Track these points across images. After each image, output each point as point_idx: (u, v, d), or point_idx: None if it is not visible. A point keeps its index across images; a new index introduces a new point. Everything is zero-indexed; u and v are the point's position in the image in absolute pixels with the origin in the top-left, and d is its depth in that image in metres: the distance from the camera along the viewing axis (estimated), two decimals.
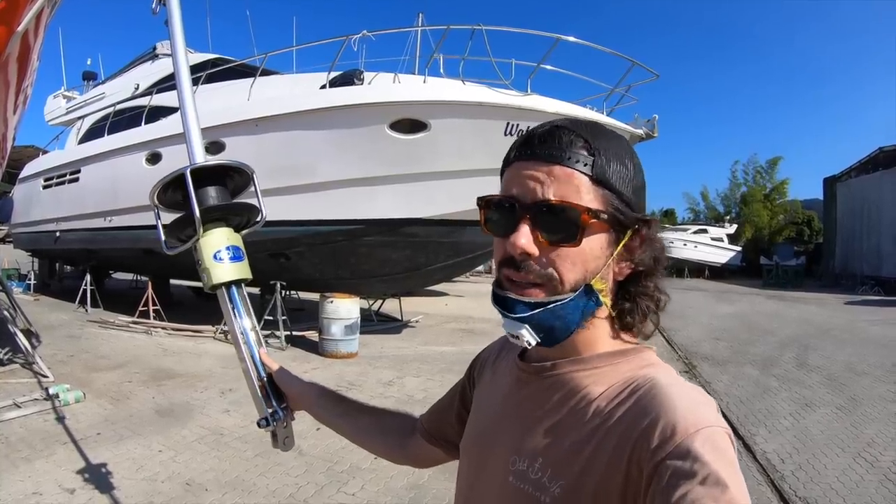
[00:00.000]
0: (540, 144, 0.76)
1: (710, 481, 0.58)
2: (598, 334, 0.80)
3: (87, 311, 12.45)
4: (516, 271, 0.75)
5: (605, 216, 0.74)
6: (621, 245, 0.77)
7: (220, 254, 1.25)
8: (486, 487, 0.84)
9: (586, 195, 0.73)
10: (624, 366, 0.77)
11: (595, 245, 0.75)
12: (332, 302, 8.79)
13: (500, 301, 0.77)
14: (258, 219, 1.37)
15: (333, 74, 9.14)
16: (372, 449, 1.24)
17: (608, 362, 0.78)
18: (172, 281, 14.44)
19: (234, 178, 1.37)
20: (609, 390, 0.75)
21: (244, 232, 1.36)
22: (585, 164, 0.74)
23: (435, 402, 1.16)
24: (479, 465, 0.88)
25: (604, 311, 0.79)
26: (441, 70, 8.93)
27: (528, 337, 0.75)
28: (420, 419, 1.17)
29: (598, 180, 0.74)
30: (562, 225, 0.73)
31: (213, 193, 1.29)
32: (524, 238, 0.73)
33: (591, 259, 0.75)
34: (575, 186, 0.73)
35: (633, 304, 0.80)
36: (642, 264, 0.79)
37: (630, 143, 0.82)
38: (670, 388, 0.70)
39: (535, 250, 0.74)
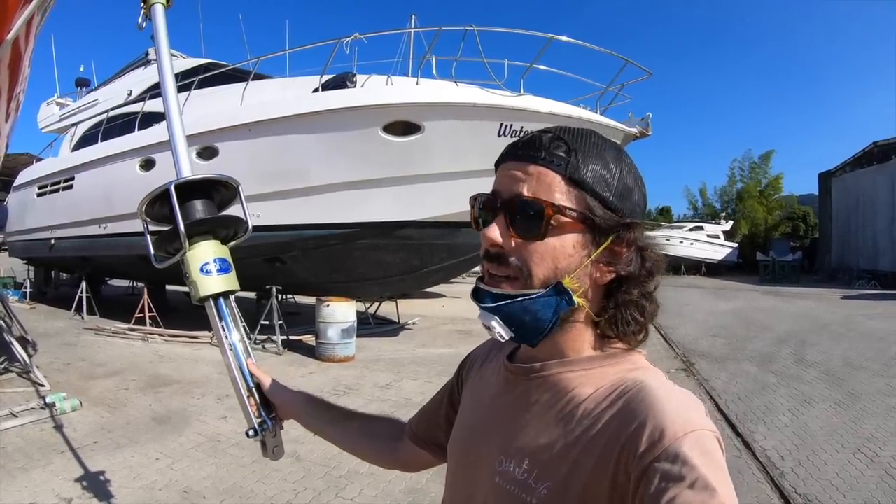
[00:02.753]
0: (523, 146, 0.79)
1: (698, 485, 0.59)
2: (585, 337, 0.80)
3: (83, 318, 12.40)
4: (496, 265, 0.78)
5: (574, 213, 0.74)
6: (602, 248, 0.76)
7: (208, 266, 1.26)
8: (473, 488, 0.84)
9: (559, 193, 0.74)
10: (612, 368, 0.78)
11: (566, 243, 0.75)
12: (328, 305, 8.77)
13: (474, 292, 0.81)
14: (245, 231, 1.38)
15: (326, 77, 9.13)
16: (361, 455, 1.24)
17: (596, 365, 0.78)
18: (169, 287, 14.41)
19: (220, 190, 1.39)
20: (597, 392, 0.75)
21: (231, 244, 1.37)
22: (559, 164, 0.75)
23: (424, 405, 1.17)
24: (465, 465, 0.89)
25: (583, 314, 0.79)
26: (434, 72, 8.93)
27: (499, 329, 0.76)
28: (409, 422, 1.17)
29: (572, 179, 0.75)
30: (529, 219, 0.75)
31: (199, 207, 1.30)
32: (494, 231, 0.77)
33: (561, 257, 0.75)
34: (547, 184, 0.75)
35: (617, 310, 0.79)
36: (625, 270, 0.78)
37: (623, 150, 0.82)
38: (658, 391, 0.70)
39: (506, 243, 0.77)
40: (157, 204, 1.29)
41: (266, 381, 1.27)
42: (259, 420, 1.23)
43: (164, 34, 1.46)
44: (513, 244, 0.77)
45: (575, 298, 0.75)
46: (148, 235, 1.31)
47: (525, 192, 0.75)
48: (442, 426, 1.07)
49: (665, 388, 0.71)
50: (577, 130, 0.79)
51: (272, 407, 1.26)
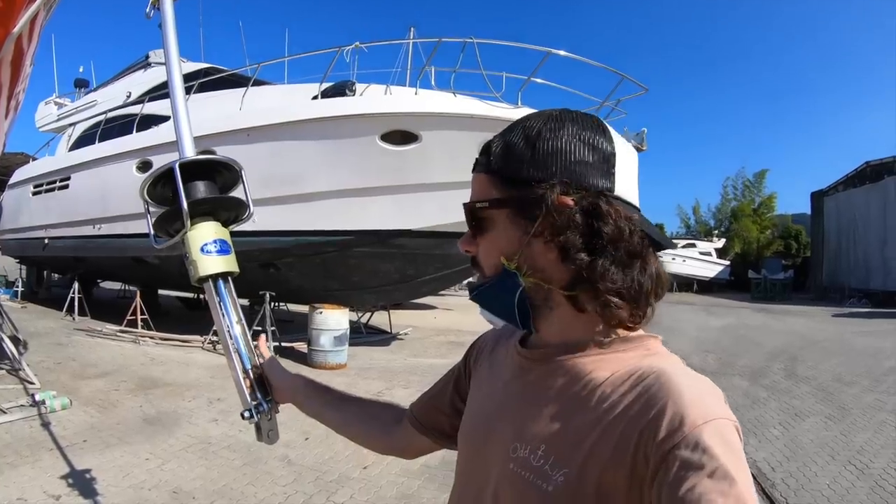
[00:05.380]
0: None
1: (718, 475, 0.58)
2: (581, 319, 0.77)
3: (74, 319, 12.33)
4: (473, 266, 0.88)
5: (495, 203, 0.80)
6: (538, 223, 0.75)
7: (208, 247, 1.25)
8: (486, 475, 0.82)
9: (489, 191, 0.81)
10: (628, 353, 0.76)
11: (501, 230, 0.80)
12: (321, 312, 8.76)
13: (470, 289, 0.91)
14: (246, 214, 1.37)
15: (325, 85, 9.17)
16: (357, 438, 1.23)
17: (612, 349, 0.77)
18: (161, 291, 14.35)
19: (223, 174, 1.38)
20: (614, 377, 0.73)
21: (232, 227, 1.36)
22: (483, 165, 0.83)
23: (426, 390, 1.15)
24: (478, 452, 0.87)
25: (558, 294, 0.76)
26: (432, 82, 8.99)
27: (488, 315, 0.88)
28: (410, 407, 1.15)
29: (491, 172, 0.82)
30: (473, 221, 0.84)
31: (201, 188, 1.30)
32: (463, 239, 0.87)
33: (503, 243, 0.80)
34: (477, 187, 0.84)
35: (594, 288, 0.73)
36: (563, 239, 0.73)
37: (581, 118, 0.80)
38: (678, 377, 0.69)
39: (471, 247, 0.86)
40: (160, 184, 1.29)
41: (263, 363, 1.26)
42: (255, 402, 1.20)
43: (171, 22, 1.47)
44: (475, 246, 0.85)
45: (521, 279, 0.78)
46: (148, 215, 1.30)
47: (469, 202, 0.84)
48: (446, 412, 1.06)
49: (684, 374, 0.71)
50: (529, 116, 0.84)
51: (269, 389, 1.24)
